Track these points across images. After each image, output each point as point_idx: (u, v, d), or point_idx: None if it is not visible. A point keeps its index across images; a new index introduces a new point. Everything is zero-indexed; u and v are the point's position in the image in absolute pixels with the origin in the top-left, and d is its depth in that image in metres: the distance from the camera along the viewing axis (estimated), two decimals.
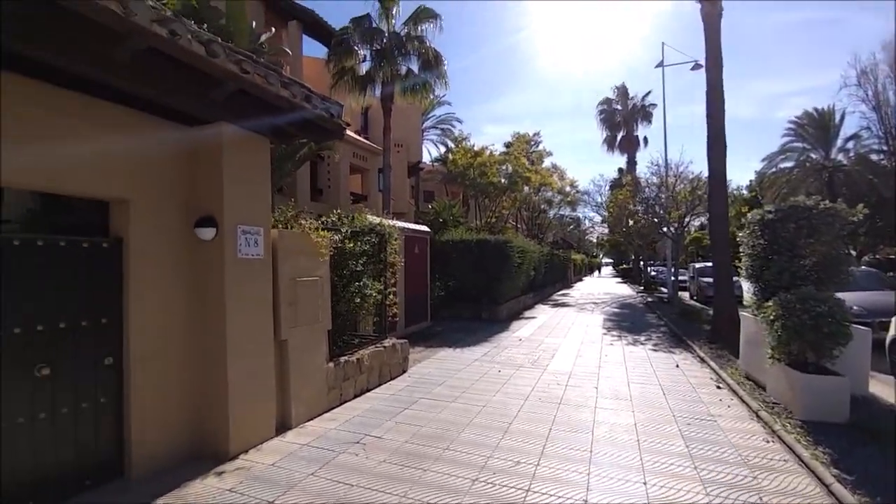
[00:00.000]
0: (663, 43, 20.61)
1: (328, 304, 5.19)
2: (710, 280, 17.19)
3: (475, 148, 22.15)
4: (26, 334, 3.01)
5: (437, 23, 14.13)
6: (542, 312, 15.61)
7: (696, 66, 17.03)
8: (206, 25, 4.81)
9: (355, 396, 5.79)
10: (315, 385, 5.00)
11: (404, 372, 6.98)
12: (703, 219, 21.73)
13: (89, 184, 3.32)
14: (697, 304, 17.10)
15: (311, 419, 4.92)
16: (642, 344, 9.55)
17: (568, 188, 30.36)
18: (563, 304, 18.57)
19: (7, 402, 2.90)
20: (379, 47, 14.01)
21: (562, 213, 33.34)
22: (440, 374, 6.90)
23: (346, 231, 5.59)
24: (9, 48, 2.62)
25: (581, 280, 43.19)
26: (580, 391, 6.00)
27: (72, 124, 3.18)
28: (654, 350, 8.87)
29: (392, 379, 6.60)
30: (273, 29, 6.99)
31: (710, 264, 17.71)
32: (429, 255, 11.62)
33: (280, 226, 4.81)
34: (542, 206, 29.82)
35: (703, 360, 7.71)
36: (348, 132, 13.92)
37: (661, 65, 20.19)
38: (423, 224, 13.66)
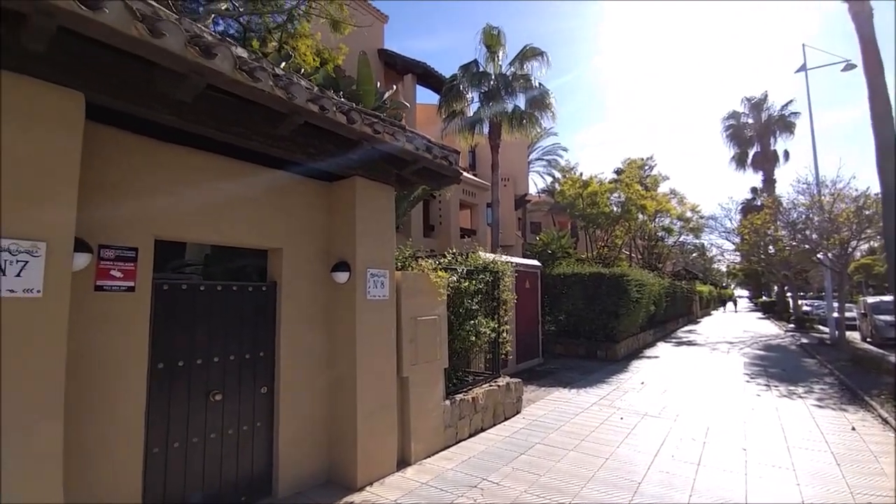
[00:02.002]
0: (804, 44, 18.08)
1: (445, 342, 5.34)
2: (891, 319, 14.03)
3: (583, 177, 21.48)
4: (206, 365, 3.60)
5: (544, 59, 14.36)
6: (666, 352, 14.11)
7: (849, 67, 14.70)
8: (341, 92, 5.54)
9: (470, 436, 5.77)
10: (432, 422, 5.10)
11: (518, 413, 6.79)
12: (873, 242, 17.96)
13: (255, 236, 3.94)
14: (873, 348, 13.98)
15: (429, 456, 5.01)
16: (801, 397, 8.03)
17: (689, 213, 27.61)
18: (690, 343, 16.59)
19: (190, 423, 3.47)
20: (486, 89, 14.61)
21: (683, 239, 30.27)
22: (556, 418, 6.57)
23: (462, 270, 5.77)
24: (203, 133, 3.29)
25: (709, 314, 38.30)
26: (723, 452, 5.21)
27: (241, 188, 3.82)
28: (819, 406, 7.39)
29: (506, 420, 6.46)
30: (395, 86, 7.76)
31: (888, 299, 14.48)
32: (539, 290, 11.37)
33: (398, 265, 5.15)
34: (660, 234, 27.47)
35: (886, 423, 6.21)
36: None
37: (802, 69, 17.72)
38: (530, 256, 13.48)
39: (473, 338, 5.86)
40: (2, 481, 2.20)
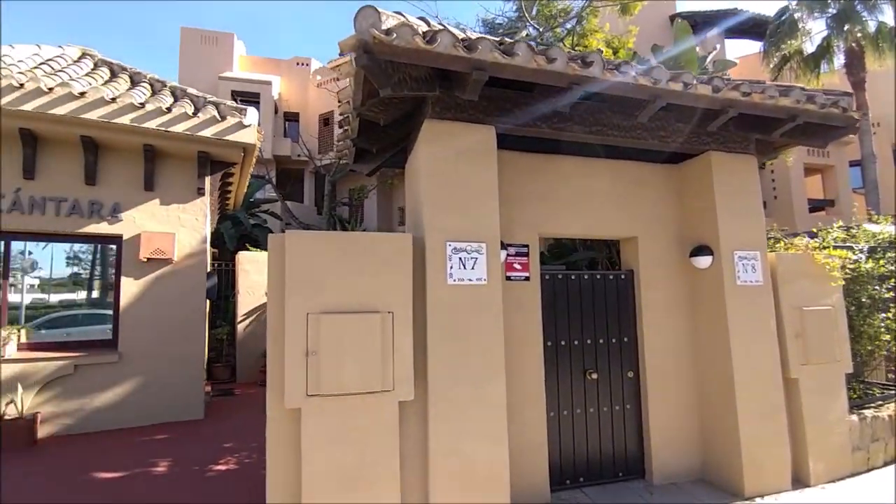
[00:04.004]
0: None
1: (845, 340, 4.19)
2: None
3: None
4: (580, 346, 4.01)
5: None
6: None
7: None
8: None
9: (885, 465, 4.34)
10: (835, 439, 4.08)
11: None
12: None
13: (614, 228, 4.13)
14: None
15: (833, 481, 4.01)
16: None
17: None
18: None
19: (573, 396, 3.93)
20: (834, 11, 10.93)
21: None
22: None
23: (864, 248, 4.41)
24: (569, 138, 3.68)
25: None
26: None
27: (599, 184, 4.09)
28: None
29: None
30: (717, 46, 6.78)
31: None
32: None
33: None
34: None
35: None
36: None
37: None
38: None
39: (888, 337, 4.37)
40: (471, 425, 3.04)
